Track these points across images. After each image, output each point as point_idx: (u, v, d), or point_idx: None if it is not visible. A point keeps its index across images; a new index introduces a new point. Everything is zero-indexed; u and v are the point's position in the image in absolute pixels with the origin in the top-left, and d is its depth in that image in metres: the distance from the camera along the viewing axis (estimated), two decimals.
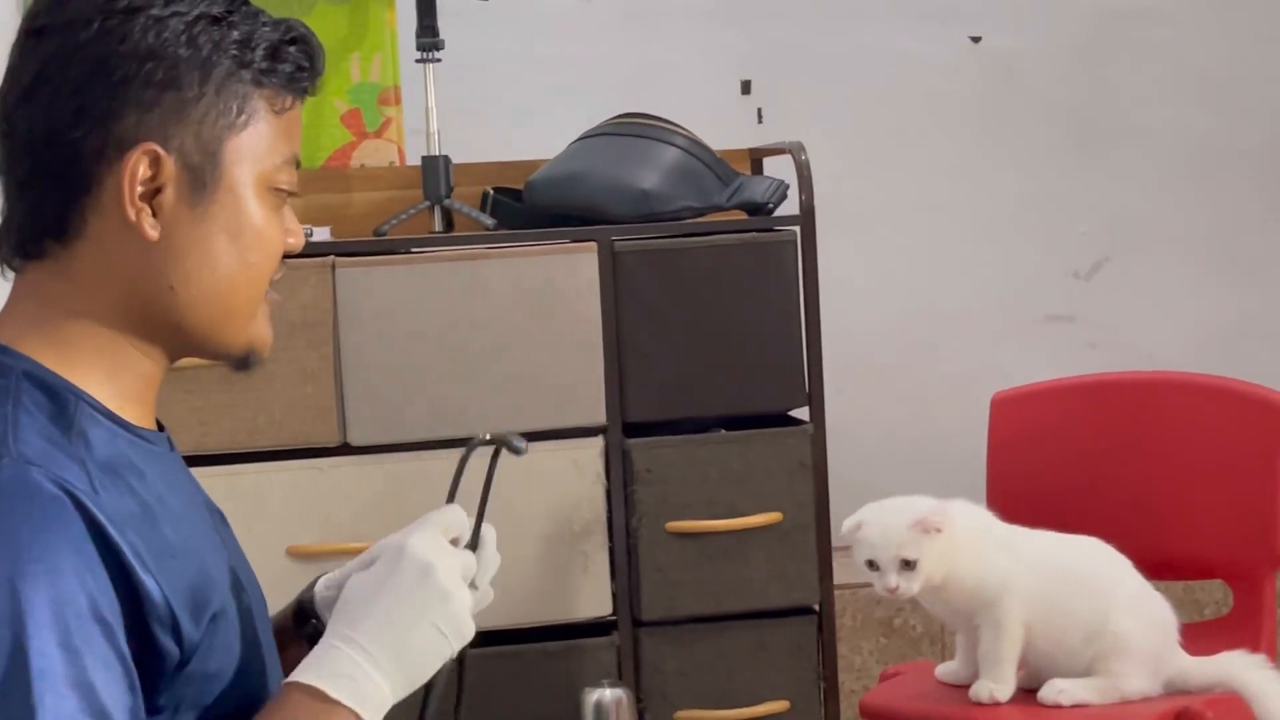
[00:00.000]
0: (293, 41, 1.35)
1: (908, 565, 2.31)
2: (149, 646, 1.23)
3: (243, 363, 1.40)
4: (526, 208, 2.72)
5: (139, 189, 1.29)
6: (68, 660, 1.16)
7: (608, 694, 2.33)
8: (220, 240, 1.33)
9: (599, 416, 2.59)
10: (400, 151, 2.89)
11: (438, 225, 2.71)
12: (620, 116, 2.76)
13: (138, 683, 1.21)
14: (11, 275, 1.36)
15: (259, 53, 1.33)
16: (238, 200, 1.33)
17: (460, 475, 1.41)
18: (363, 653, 1.28)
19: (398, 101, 2.88)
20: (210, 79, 1.31)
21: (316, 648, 1.30)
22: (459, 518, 1.38)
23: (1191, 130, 3.75)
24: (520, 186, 2.75)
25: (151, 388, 1.37)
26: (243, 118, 1.32)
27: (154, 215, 1.30)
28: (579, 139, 2.76)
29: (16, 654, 1.14)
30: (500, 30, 3.47)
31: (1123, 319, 3.74)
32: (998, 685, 2.33)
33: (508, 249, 2.59)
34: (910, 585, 2.31)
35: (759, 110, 3.62)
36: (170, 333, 1.34)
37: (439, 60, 2.73)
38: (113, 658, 1.18)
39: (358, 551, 2.54)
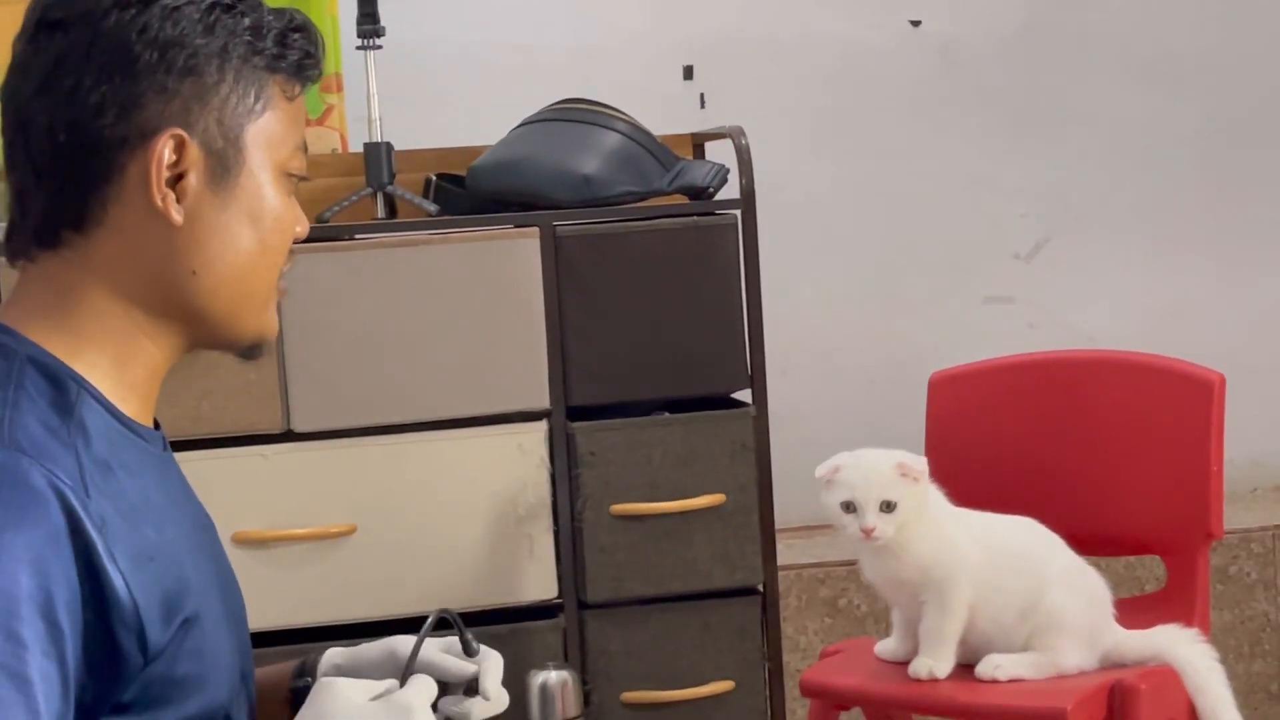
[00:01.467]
0: (297, 30, 1.38)
1: (888, 507, 2.30)
2: (110, 647, 1.24)
3: (251, 351, 1.41)
4: (469, 194, 2.73)
5: (165, 174, 1.31)
6: (9, 650, 1.16)
7: (553, 676, 2.34)
8: (242, 224, 1.35)
9: (543, 400, 2.60)
10: (343, 138, 2.89)
11: (381, 212, 2.72)
12: (562, 102, 2.78)
13: (73, 694, 1.21)
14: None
15: (270, 40, 1.35)
16: (258, 184, 1.35)
17: (418, 648, 1.46)
18: None
19: (339, 89, 2.89)
20: (229, 65, 1.33)
21: None
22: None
23: (1130, 112, 3.78)
24: (463, 173, 2.76)
25: (155, 381, 1.38)
26: (259, 103, 1.35)
27: (177, 201, 1.32)
28: (521, 125, 2.77)
29: None
30: (442, 17, 3.47)
31: (1062, 300, 3.78)
32: (937, 662, 2.35)
33: (451, 235, 2.60)
34: (887, 528, 2.29)
35: (701, 95, 3.64)
36: (188, 319, 1.36)
37: (380, 47, 2.73)
38: (53, 661, 1.18)
39: (302, 538, 2.56)
